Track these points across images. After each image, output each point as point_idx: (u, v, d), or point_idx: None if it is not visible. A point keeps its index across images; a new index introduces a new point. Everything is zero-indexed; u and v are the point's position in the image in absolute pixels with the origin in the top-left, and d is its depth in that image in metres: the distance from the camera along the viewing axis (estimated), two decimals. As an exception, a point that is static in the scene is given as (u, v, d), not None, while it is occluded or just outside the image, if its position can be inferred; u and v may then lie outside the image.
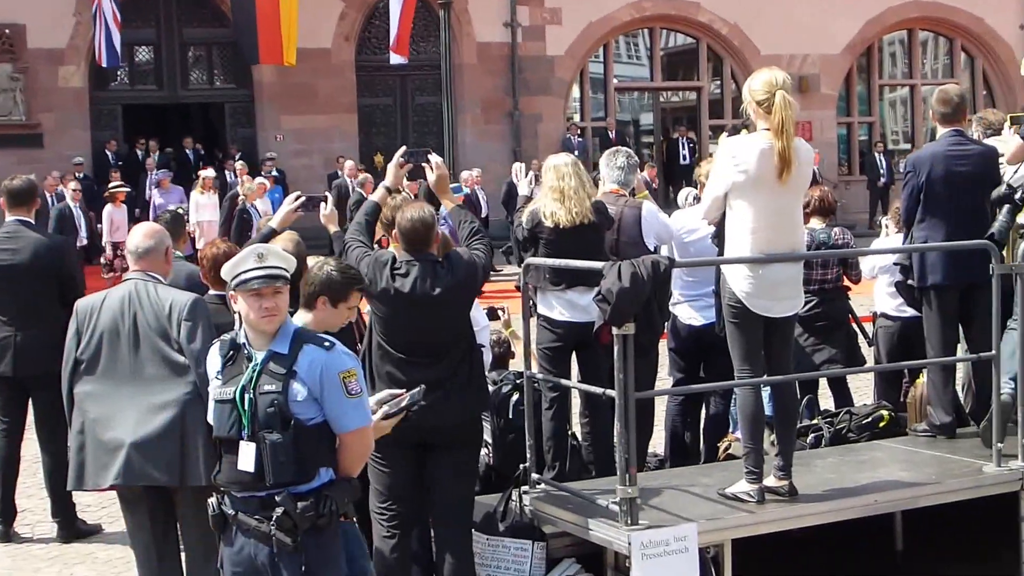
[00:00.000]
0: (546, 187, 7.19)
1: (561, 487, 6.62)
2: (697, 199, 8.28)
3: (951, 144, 7.38)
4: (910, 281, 7.56)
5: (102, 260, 19.27)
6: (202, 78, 26.62)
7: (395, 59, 23.89)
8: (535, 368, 7.00)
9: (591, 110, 29.02)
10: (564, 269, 6.95)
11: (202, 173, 21.77)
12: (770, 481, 6.31)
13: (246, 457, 4.55)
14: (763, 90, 6.13)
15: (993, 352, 6.83)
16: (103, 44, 22.80)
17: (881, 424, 7.74)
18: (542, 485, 6.64)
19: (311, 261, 6.37)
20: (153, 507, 6.07)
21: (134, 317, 5.99)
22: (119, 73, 25.57)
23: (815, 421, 7.85)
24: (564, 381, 7.12)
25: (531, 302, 7.18)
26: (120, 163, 24.16)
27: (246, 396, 4.56)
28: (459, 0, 25.23)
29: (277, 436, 4.51)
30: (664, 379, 8.63)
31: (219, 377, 4.68)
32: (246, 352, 4.64)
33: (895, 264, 7.88)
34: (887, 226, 9.18)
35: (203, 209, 20.76)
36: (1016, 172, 7.51)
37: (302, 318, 5.21)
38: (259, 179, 20.90)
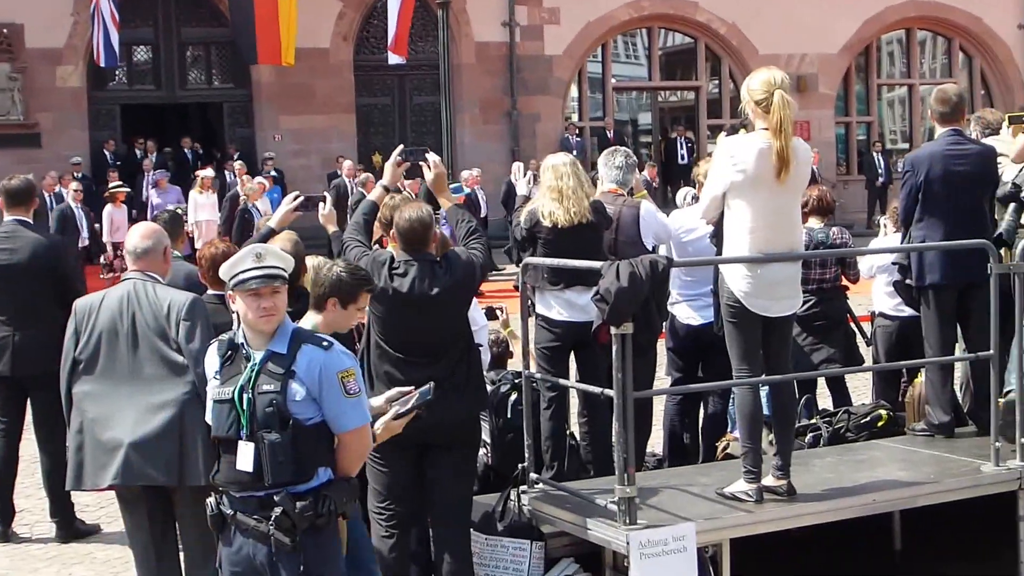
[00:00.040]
0: (544, 187, 7.19)
1: (559, 487, 6.62)
2: (695, 199, 8.28)
3: (949, 143, 7.39)
4: (908, 280, 7.57)
5: (102, 260, 19.27)
6: (200, 78, 26.61)
7: (393, 59, 23.88)
8: (533, 368, 7.01)
9: (589, 110, 29.02)
10: (562, 269, 6.95)
11: (200, 173, 21.78)
12: (768, 481, 6.31)
13: (244, 457, 4.55)
14: (761, 89, 6.14)
15: (991, 351, 6.84)
16: (101, 44, 22.77)
17: (879, 424, 7.75)
18: (540, 485, 6.65)
19: (311, 261, 6.39)
20: (152, 507, 6.07)
21: (132, 317, 5.98)
22: (117, 73, 25.55)
23: (813, 421, 7.86)
24: (562, 381, 7.12)
25: (529, 302, 7.18)
26: (118, 163, 24.14)
27: (244, 396, 4.55)
28: (457, 0, 25.22)
29: (276, 436, 4.51)
30: (662, 379, 8.62)
31: (217, 377, 4.68)
32: (244, 352, 4.64)
33: (893, 263, 7.88)
34: (885, 225, 9.18)
35: (202, 209, 20.77)
36: (1021, 171, 7.52)
37: (312, 320, 5.22)
38: (258, 178, 20.91)
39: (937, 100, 7.52)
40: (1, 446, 8.07)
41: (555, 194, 7.09)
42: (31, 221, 8.19)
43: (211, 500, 4.71)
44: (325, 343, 4.65)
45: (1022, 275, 6.77)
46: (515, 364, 7.89)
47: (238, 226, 17.77)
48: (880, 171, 28.88)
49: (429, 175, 6.61)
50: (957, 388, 8.04)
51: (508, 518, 6.48)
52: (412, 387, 5.40)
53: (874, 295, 9.02)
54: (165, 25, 25.66)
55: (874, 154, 29.36)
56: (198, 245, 17.43)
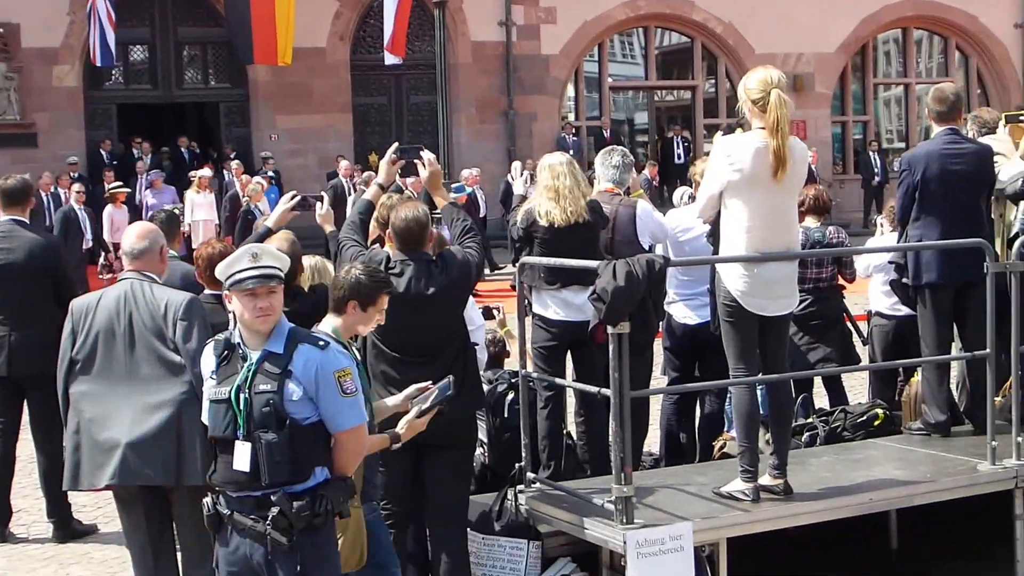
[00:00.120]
0: (541, 186, 7.19)
1: (556, 486, 6.63)
2: (692, 198, 8.28)
3: (946, 143, 7.40)
4: (905, 280, 7.57)
5: (101, 261, 19.25)
6: (197, 77, 26.59)
7: (390, 59, 23.87)
8: (530, 367, 7.01)
9: (586, 109, 29.01)
10: (559, 268, 6.95)
11: (198, 172, 21.75)
12: (765, 480, 6.32)
13: (241, 457, 4.54)
14: (758, 89, 6.14)
15: (988, 350, 6.84)
16: (97, 43, 22.76)
17: (876, 423, 7.76)
18: (537, 484, 6.65)
19: (308, 261, 6.40)
20: (149, 507, 6.07)
21: (130, 317, 5.98)
22: (114, 72, 25.54)
23: (810, 420, 7.86)
24: (559, 380, 7.12)
25: (526, 301, 7.18)
26: (114, 163, 24.13)
27: (241, 396, 4.55)
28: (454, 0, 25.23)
29: (272, 436, 4.50)
30: (659, 378, 8.63)
31: (214, 377, 4.67)
32: (241, 352, 4.63)
33: (890, 262, 7.89)
34: (882, 225, 9.19)
35: (199, 208, 20.76)
36: None
37: (332, 322, 5.22)
38: (256, 178, 20.92)
39: (934, 99, 7.52)
40: (-2, 446, 8.08)
41: (551, 193, 7.09)
42: (27, 221, 8.18)
43: (207, 500, 4.70)
44: (322, 343, 4.65)
45: (1018, 274, 6.78)
46: (512, 364, 7.89)
47: (240, 227, 17.75)
48: (876, 170, 28.88)
49: (424, 173, 6.60)
50: (953, 387, 8.05)
51: (505, 518, 6.48)
52: (429, 382, 5.41)
53: (870, 294, 9.03)
54: (161, 25, 25.64)
55: (870, 153, 29.36)
56: (195, 245, 17.42)
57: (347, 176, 21.65)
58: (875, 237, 9.51)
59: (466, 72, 26.76)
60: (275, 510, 4.52)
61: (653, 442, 8.54)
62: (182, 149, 25.49)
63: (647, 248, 7.45)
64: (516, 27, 27.31)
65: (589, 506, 6.11)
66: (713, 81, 30.00)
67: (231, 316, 4.84)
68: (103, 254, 19.56)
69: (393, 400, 5.47)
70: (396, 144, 6.92)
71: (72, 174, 22.41)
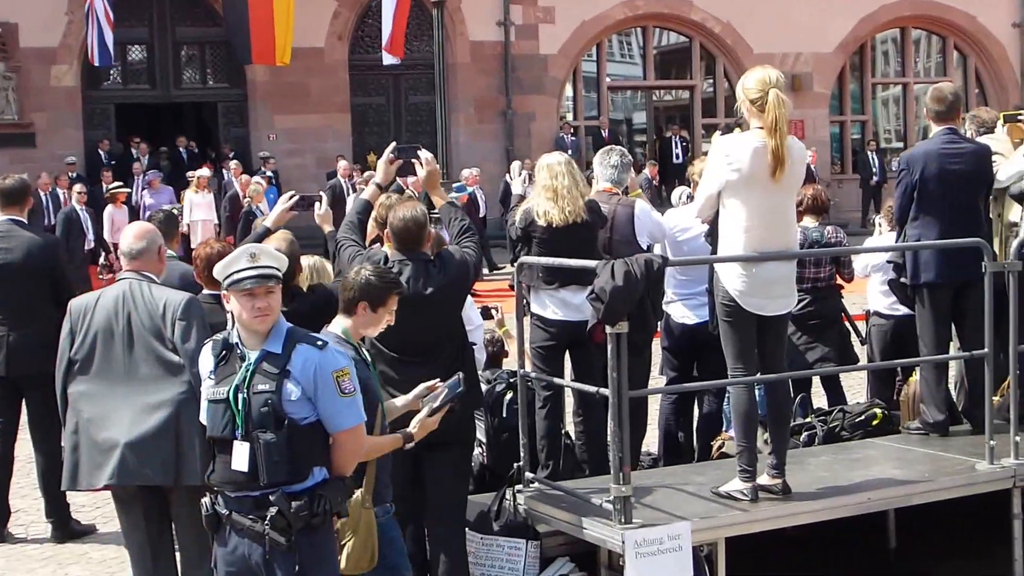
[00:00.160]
0: (539, 186, 7.20)
1: (555, 486, 6.63)
2: (690, 198, 8.28)
3: (945, 142, 7.40)
4: (903, 279, 7.58)
5: (101, 261, 19.24)
6: (195, 77, 26.58)
7: (388, 59, 23.86)
8: (528, 367, 7.01)
9: (584, 109, 29.01)
10: (557, 268, 6.95)
11: (197, 172, 21.74)
12: (763, 479, 6.32)
13: (240, 457, 4.54)
14: (756, 88, 6.15)
15: (986, 350, 6.85)
16: (96, 43, 22.75)
17: (874, 422, 7.76)
18: (536, 484, 6.65)
19: (306, 261, 6.40)
20: (148, 507, 6.07)
21: (128, 317, 5.98)
22: (112, 72, 25.54)
23: (808, 419, 7.87)
24: (558, 380, 7.12)
25: (525, 301, 7.18)
26: (113, 163, 24.12)
27: (240, 396, 4.55)
28: (452, -1, 25.26)
29: (271, 436, 4.50)
30: (657, 378, 8.63)
31: (212, 377, 4.67)
32: (239, 352, 4.63)
33: (888, 262, 7.89)
34: (880, 224, 9.19)
35: (198, 208, 20.75)
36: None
37: (342, 324, 5.23)
38: (256, 178, 20.92)
39: (933, 99, 7.53)
40: (-4, 446, 8.07)
41: (550, 193, 7.09)
42: (26, 221, 8.18)
43: (206, 500, 4.70)
44: (320, 343, 4.65)
45: (1016, 273, 6.79)
46: (510, 363, 7.89)
47: (242, 227, 17.76)
48: (874, 170, 28.89)
49: (421, 172, 6.60)
50: (952, 387, 8.05)
51: (504, 517, 6.49)
52: (437, 380, 5.41)
53: (869, 294, 9.03)
54: (160, 24, 25.62)
55: (868, 153, 29.37)
56: (194, 245, 17.41)
57: (345, 176, 21.65)
58: (873, 237, 9.52)
59: (464, 72, 26.76)
60: (273, 510, 4.52)
61: (651, 442, 8.54)
62: (180, 149, 25.48)
63: (645, 248, 7.45)
64: (514, 27, 27.31)
65: (587, 506, 6.11)
66: (711, 81, 30.00)
67: (229, 316, 4.84)
68: (103, 254, 19.55)
69: (402, 400, 5.47)
70: (394, 144, 6.92)
71: (70, 174, 22.42)
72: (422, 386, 5.44)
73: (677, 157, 27.64)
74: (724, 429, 7.98)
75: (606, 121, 28.41)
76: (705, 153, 8.32)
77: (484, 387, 7.03)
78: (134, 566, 6.20)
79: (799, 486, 6.43)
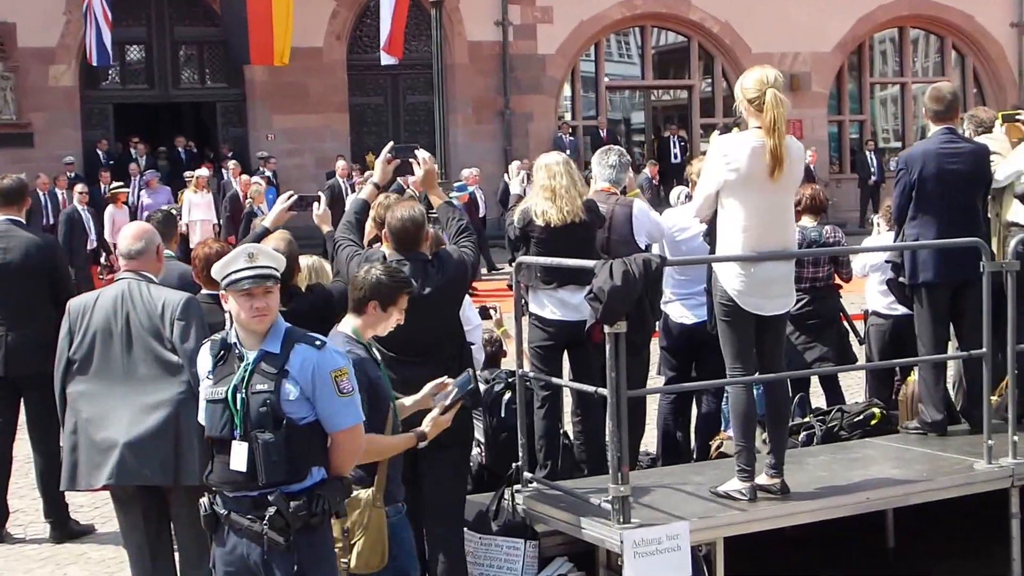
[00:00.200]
0: (537, 186, 7.20)
1: (553, 486, 6.63)
2: (689, 197, 8.28)
3: (943, 142, 7.41)
4: (901, 279, 7.58)
5: (102, 261, 19.22)
6: (193, 77, 26.57)
7: (386, 60, 23.85)
8: (527, 367, 7.01)
9: (582, 109, 29.01)
10: (555, 268, 6.95)
11: (195, 172, 21.74)
12: (762, 479, 6.32)
13: (238, 457, 4.54)
14: (755, 88, 6.15)
15: (984, 349, 6.85)
16: (94, 43, 22.74)
17: (873, 422, 7.76)
18: (534, 484, 6.65)
19: (304, 261, 6.39)
20: (147, 507, 6.07)
21: (127, 317, 5.98)
22: (110, 72, 25.52)
23: (807, 419, 7.87)
24: (556, 380, 7.12)
25: (523, 301, 7.18)
26: (111, 163, 24.11)
27: (238, 396, 4.55)
28: (450, -1, 25.26)
29: (269, 436, 4.50)
30: (655, 378, 8.63)
31: (210, 377, 4.67)
32: (237, 352, 4.63)
33: (887, 261, 7.90)
34: (878, 224, 9.19)
35: (196, 208, 20.74)
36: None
37: (352, 323, 5.23)
38: (255, 178, 20.92)
39: (931, 98, 7.54)
40: (-5, 446, 8.07)
41: (548, 193, 7.09)
42: (24, 220, 8.18)
43: (204, 500, 4.70)
44: (318, 343, 4.65)
45: (1014, 273, 6.79)
46: (509, 363, 7.89)
47: (244, 228, 17.77)
48: (873, 170, 28.91)
49: (419, 171, 6.60)
50: (950, 386, 8.05)
51: (502, 517, 6.48)
52: (445, 378, 5.42)
53: (867, 294, 9.04)
54: (158, 24, 25.62)
55: (867, 153, 29.39)
56: (192, 245, 17.41)
57: (344, 176, 21.64)
58: (871, 236, 9.52)
59: (463, 72, 26.76)
60: (272, 510, 4.52)
61: (650, 442, 8.54)
62: (179, 149, 25.47)
63: (643, 247, 7.45)
64: (512, 27, 27.32)
65: (586, 506, 6.12)
66: (710, 80, 30.00)
67: (227, 316, 4.84)
68: (104, 255, 19.54)
69: (411, 399, 5.47)
70: (391, 143, 6.91)
71: (68, 174, 22.40)
72: (431, 384, 5.44)
73: (675, 157, 27.64)
74: (722, 429, 7.98)
75: (604, 121, 28.42)
76: (703, 153, 8.32)
77: (483, 387, 7.03)
78: (133, 566, 6.20)
79: (797, 486, 6.44)
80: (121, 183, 21.30)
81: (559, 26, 27.65)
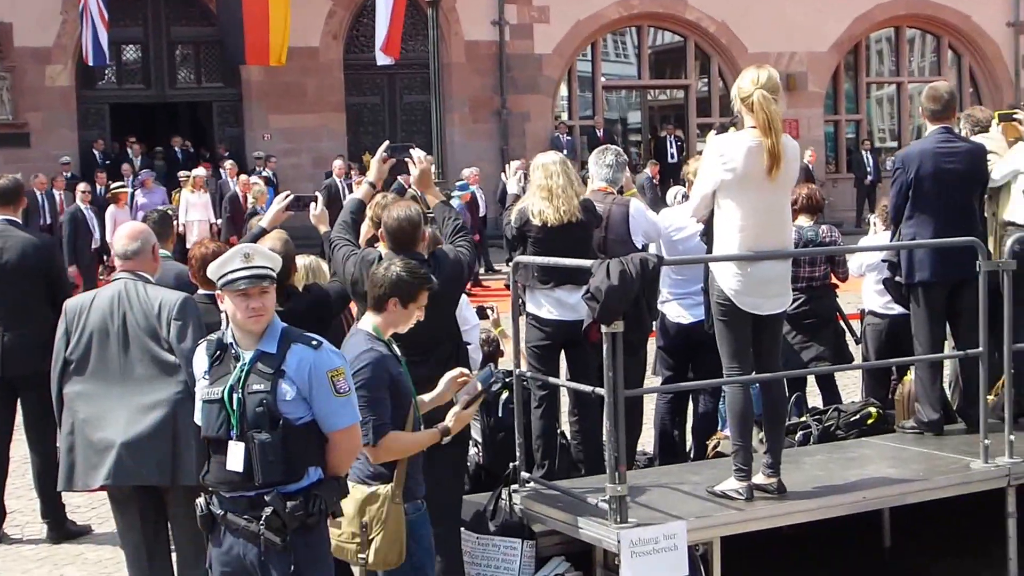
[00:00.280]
0: (534, 185, 7.20)
1: (550, 485, 6.63)
2: (685, 197, 8.29)
3: (940, 141, 7.41)
4: (898, 278, 7.59)
5: (105, 261, 19.19)
6: (190, 77, 26.56)
7: (382, 59, 23.84)
8: (524, 367, 7.01)
9: (579, 108, 29.03)
10: (552, 267, 6.95)
11: (192, 172, 21.72)
12: (759, 479, 6.32)
13: (235, 457, 4.53)
14: (748, 88, 6.16)
15: (980, 349, 6.86)
16: (90, 43, 22.73)
17: (869, 421, 7.77)
18: (531, 484, 6.65)
19: (301, 260, 6.39)
20: (144, 507, 6.06)
21: (123, 317, 5.98)
22: (106, 72, 25.50)
23: (803, 419, 7.87)
24: (553, 379, 7.12)
25: (520, 300, 7.18)
26: (107, 163, 24.09)
27: (234, 396, 4.54)
28: (447, -1, 25.25)
29: (266, 436, 4.50)
30: (651, 377, 8.64)
31: (206, 377, 4.66)
32: (234, 352, 4.62)
33: (883, 261, 7.90)
34: (875, 224, 9.20)
35: (193, 208, 20.72)
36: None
37: (371, 321, 5.21)
38: (253, 178, 20.90)
39: (928, 98, 7.54)
40: (-9, 447, 8.06)
41: (545, 193, 7.09)
42: (20, 220, 8.17)
43: (201, 500, 4.69)
44: (314, 342, 4.64)
45: (1010, 272, 6.79)
46: (506, 363, 7.89)
47: (246, 229, 17.72)
48: (869, 169, 28.94)
49: (415, 171, 6.59)
50: (946, 385, 8.06)
51: (499, 517, 6.48)
52: (460, 369, 5.45)
53: (864, 293, 9.04)
54: (154, 24, 25.61)
55: (863, 152, 29.41)
56: (189, 245, 17.39)
57: (340, 176, 21.64)
58: (868, 236, 9.52)
59: (459, 71, 26.77)
60: (269, 510, 4.51)
61: (647, 441, 8.54)
62: (175, 149, 25.46)
63: (640, 247, 7.45)
64: (509, 26, 27.33)
65: (583, 505, 6.12)
66: (706, 80, 30.02)
67: (223, 316, 4.83)
68: (109, 255, 19.50)
69: (429, 396, 5.46)
70: (387, 143, 6.91)
71: (65, 174, 22.37)
72: (447, 379, 5.43)
73: (672, 156, 27.65)
74: (719, 428, 7.98)
75: (601, 120, 28.44)
76: (700, 152, 8.32)
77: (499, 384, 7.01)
78: (130, 566, 6.20)
79: (794, 485, 6.44)
80: (121, 183, 21.28)
81: (556, 26, 27.66)
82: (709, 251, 6.47)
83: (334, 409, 4.61)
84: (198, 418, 4.70)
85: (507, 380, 7.21)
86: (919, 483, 6.71)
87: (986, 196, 7.68)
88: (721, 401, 7.87)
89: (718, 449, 7.63)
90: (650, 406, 8.47)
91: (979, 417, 6.86)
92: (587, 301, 5.95)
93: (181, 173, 22.11)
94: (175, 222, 14.58)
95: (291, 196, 6.83)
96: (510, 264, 7.16)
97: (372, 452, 5.07)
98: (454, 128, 26.32)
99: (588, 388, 6.42)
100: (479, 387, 5.35)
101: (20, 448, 8.32)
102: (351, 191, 19.14)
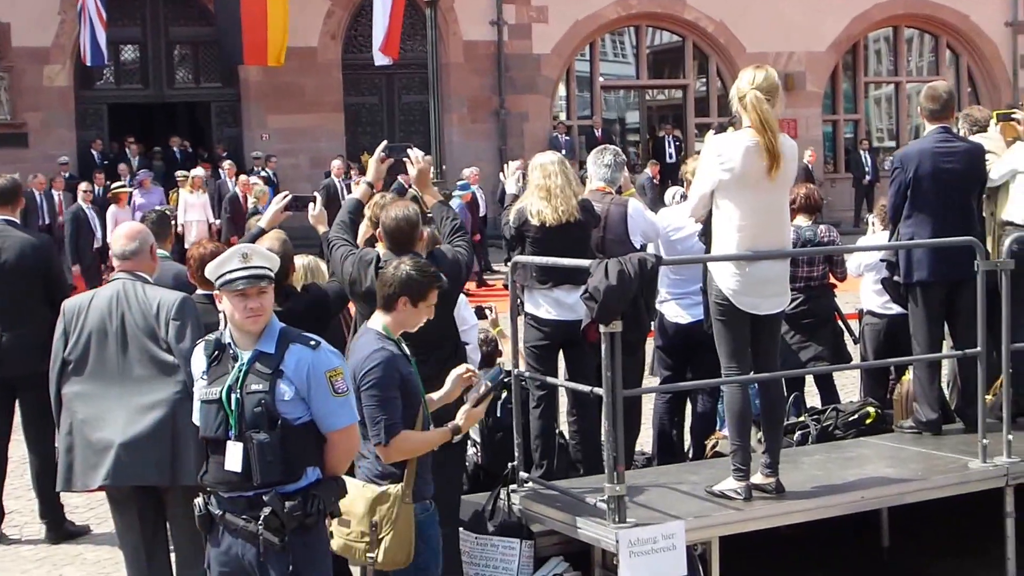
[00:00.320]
0: (532, 185, 7.20)
1: (549, 485, 6.63)
2: (684, 197, 8.29)
3: (938, 141, 7.41)
4: (896, 277, 7.59)
5: (107, 261, 19.16)
6: (188, 77, 26.55)
7: (380, 60, 23.83)
8: (523, 367, 7.01)
9: (577, 108, 29.02)
10: (551, 267, 6.95)
11: (191, 172, 21.71)
12: (757, 478, 6.32)
13: (233, 457, 4.53)
14: (745, 88, 6.17)
15: (979, 348, 6.86)
16: (88, 43, 22.71)
17: (867, 421, 7.77)
18: (530, 484, 6.65)
19: (300, 260, 6.39)
20: (142, 507, 6.06)
21: (122, 317, 5.97)
22: (104, 72, 25.48)
23: (802, 418, 7.87)
24: (551, 379, 7.12)
25: (519, 300, 7.18)
26: (106, 163, 24.07)
27: (233, 396, 4.54)
28: (445, -1, 25.25)
29: (264, 436, 4.50)
30: (650, 377, 8.63)
31: (204, 377, 4.67)
32: (232, 352, 4.62)
33: (882, 260, 7.90)
34: (873, 223, 9.20)
35: (192, 208, 20.71)
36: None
37: (381, 320, 5.21)
38: (253, 178, 20.88)
39: (927, 97, 7.54)
40: (-10, 447, 8.06)
41: (543, 193, 7.09)
42: (18, 220, 8.17)
43: (199, 500, 4.69)
44: (313, 342, 4.64)
45: (1009, 272, 6.80)
46: (504, 363, 7.89)
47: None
48: (867, 169, 28.93)
49: (412, 171, 6.60)
50: (944, 385, 8.06)
51: (498, 517, 6.48)
52: (466, 366, 5.46)
53: (862, 293, 9.04)
54: (153, 24, 25.60)
55: (861, 152, 29.41)
56: (187, 245, 17.38)
57: (338, 176, 21.63)
58: (866, 236, 9.53)
59: (458, 71, 26.76)
60: (267, 510, 4.51)
61: (645, 441, 8.54)
62: (174, 149, 25.44)
63: (639, 247, 7.45)
64: (507, 26, 27.32)
65: (582, 505, 6.12)
66: (704, 80, 30.01)
67: (222, 316, 4.83)
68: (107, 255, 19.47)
69: (437, 394, 5.46)
70: (385, 143, 6.91)
71: (63, 174, 22.36)
72: (453, 377, 5.42)
73: (670, 156, 27.63)
74: (718, 428, 7.98)
75: (599, 120, 28.43)
76: (698, 152, 8.32)
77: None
78: (128, 567, 6.20)
79: (793, 485, 6.44)
80: (122, 183, 21.27)
81: (554, 26, 27.66)
82: (707, 251, 6.47)
83: (332, 409, 4.62)
84: (196, 418, 4.70)
85: (505, 380, 7.22)
86: (917, 483, 6.71)
87: (984, 196, 7.68)
88: (719, 401, 7.86)
89: (716, 449, 7.63)
90: (648, 406, 8.47)
91: (977, 417, 6.86)
92: (585, 301, 5.95)
93: (178, 173, 22.10)
94: (173, 222, 14.60)
95: (289, 196, 6.83)
96: (508, 264, 7.16)
97: (384, 452, 5.07)
98: (452, 128, 26.31)
99: (586, 388, 6.42)
100: (488, 385, 5.35)
101: (19, 448, 8.32)
102: (349, 191, 19.13)
